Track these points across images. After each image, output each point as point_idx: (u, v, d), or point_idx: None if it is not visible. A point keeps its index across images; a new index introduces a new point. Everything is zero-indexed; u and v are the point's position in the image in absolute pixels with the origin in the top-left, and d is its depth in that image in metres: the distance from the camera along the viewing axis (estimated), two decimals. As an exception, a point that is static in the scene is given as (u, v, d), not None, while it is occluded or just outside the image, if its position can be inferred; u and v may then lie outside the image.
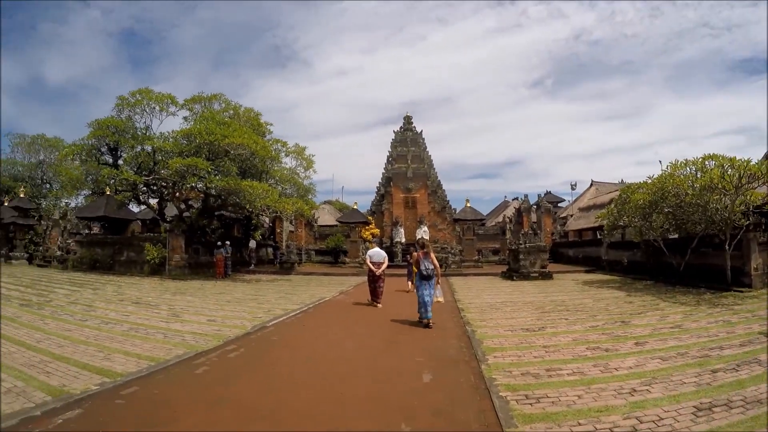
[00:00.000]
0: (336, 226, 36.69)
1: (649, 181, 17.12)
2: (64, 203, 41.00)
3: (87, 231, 33.61)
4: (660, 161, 52.76)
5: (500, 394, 5.18)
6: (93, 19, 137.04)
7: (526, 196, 37.64)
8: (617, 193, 21.79)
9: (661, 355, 6.80)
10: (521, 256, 20.68)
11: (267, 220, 34.73)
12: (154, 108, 24.24)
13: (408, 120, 38.20)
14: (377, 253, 13.02)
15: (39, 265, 27.44)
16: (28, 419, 4.50)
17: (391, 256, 28.79)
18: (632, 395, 5.04)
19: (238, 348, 7.76)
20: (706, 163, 14.91)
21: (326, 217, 42.46)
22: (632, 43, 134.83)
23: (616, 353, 6.96)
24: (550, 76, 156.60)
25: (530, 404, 4.87)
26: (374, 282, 12.87)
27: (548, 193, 47.86)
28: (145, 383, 5.74)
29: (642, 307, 11.80)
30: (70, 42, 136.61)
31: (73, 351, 7.23)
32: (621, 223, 19.45)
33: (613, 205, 19.65)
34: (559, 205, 46.70)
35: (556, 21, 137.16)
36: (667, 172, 16.16)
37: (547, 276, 20.34)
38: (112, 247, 24.99)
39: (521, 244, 20.99)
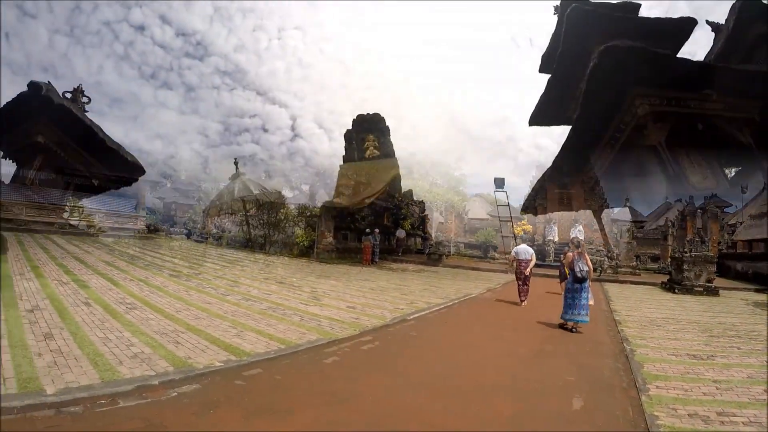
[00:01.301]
0: (487, 219, 36.02)
1: None
2: (222, 186, 46.03)
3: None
4: None
5: (663, 440, 4.33)
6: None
7: (691, 198, 33.34)
8: (800, 199, 18.69)
9: None
10: (685, 267, 18.85)
11: (417, 210, 35.03)
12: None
13: (569, 111, 35.50)
14: (524, 250, 12.61)
15: (196, 241, 30.97)
16: (144, 387, 4.48)
17: (543, 255, 27.21)
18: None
19: (373, 340, 7.42)
20: None
21: (477, 211, 41.73)
22: None
23: (800, 402, 5.56)
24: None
25: (699, 460, 4.03)
26: (520, 280, 12.54)
27: (714, 195, 41.49)
28: (269, 366, 5.58)
29: (828, 344, 9.39)
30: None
31: (207, 324, 7.45)
32: None
33: None
34: (725, 210, 40.36)
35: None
36: None
37: (712, 292, 18.19)
38: (264, 228, 27.07)
39: (686, 253, 19.14)
